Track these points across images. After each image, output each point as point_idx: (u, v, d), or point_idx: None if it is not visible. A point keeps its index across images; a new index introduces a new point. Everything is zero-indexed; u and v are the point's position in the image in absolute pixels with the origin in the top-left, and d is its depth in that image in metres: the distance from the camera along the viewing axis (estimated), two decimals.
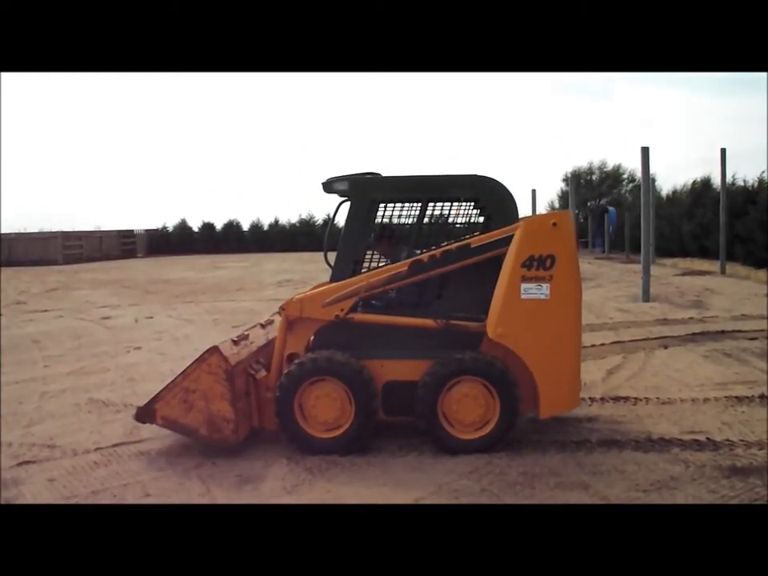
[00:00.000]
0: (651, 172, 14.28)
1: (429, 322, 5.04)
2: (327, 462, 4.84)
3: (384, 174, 5.52)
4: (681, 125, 73.82)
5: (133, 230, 40.09)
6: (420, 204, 5.26)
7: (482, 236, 5.03)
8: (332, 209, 5.38)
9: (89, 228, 37.82)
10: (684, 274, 18.59)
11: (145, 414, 5.12)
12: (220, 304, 14.68)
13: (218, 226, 42.68)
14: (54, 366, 8.45)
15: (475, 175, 5.16)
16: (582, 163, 41.65)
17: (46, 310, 14.24)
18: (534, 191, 26.36)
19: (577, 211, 26.27)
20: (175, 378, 5.07)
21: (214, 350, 4.98)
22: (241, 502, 4.24)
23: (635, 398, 6.26)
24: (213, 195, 70.66)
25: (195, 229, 42.94)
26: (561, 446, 5.05)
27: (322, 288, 5.27)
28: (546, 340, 4.85)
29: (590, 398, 6.28)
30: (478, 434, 4.94)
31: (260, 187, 70.33)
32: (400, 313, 5.14)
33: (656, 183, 27.22)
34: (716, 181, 23.24)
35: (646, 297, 13.07)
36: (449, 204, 5.34)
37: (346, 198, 5.31)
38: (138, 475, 4.73)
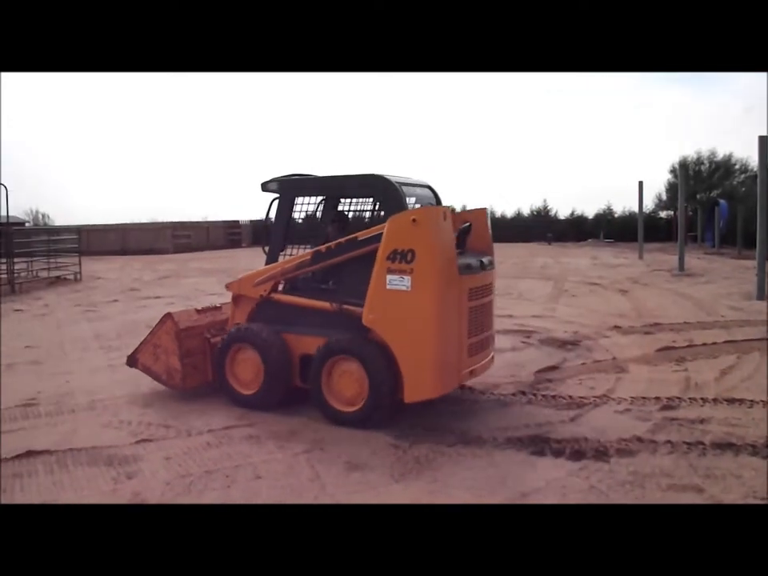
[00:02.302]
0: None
1: (327, 305, 5.63)
2: (434, 451, 4.90)
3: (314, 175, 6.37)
4: None
5: (238, 221, 41.24)
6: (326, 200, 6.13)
7: (367, 230, 5.52)
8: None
9: (197, 219, 39.46)
10: None
11: (131, 361, 6.57)
12: None
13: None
14: None
15: (369, 174, 5.68)
16: (689, 153, 39.93)
17: (158, 297, 14.90)
18: (641, 183, 25.47)
19: (685, 204, 25.13)
20: (148, 335, 6.46)
21: (168, 315, 6.29)
22: (349, 488, 4.36)
23: (751, 401, 5.97)
24: None
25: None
26: (672, 447, 4.90)
27: (255, 270, 6.16)
28: (408, 329, 5.17)
29: (701, 399, 6.05)
30: (352, 408, 5.45)
31: None
32: (307, 295, 5.84)
33: None
34: None
35: (761, 295, 12.43)
36: (360, 199, 6.27)
37: (277, 196, 6.15)
38: (248, 457, 4.90)
